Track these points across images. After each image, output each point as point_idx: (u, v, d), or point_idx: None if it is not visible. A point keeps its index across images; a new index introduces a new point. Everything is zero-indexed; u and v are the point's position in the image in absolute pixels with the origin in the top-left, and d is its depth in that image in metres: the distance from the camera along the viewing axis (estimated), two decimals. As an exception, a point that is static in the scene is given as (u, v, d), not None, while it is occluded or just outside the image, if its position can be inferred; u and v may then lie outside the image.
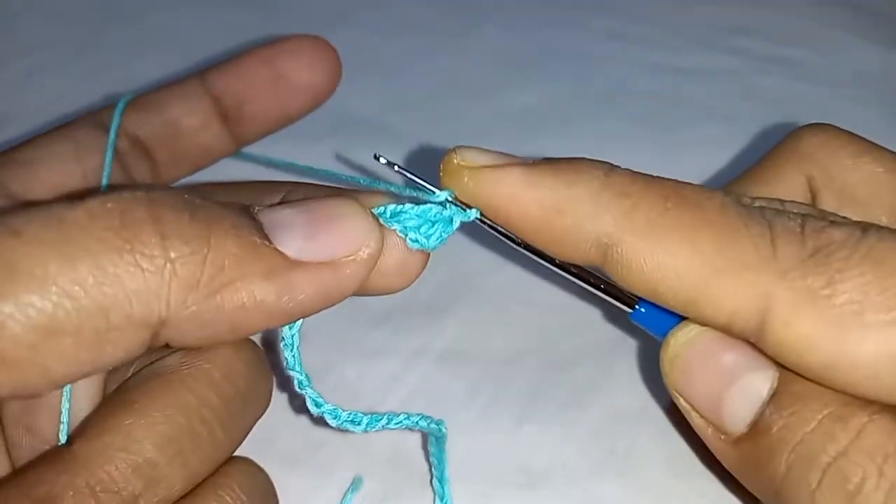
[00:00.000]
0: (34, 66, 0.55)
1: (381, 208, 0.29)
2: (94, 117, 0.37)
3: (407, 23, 0.60)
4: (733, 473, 0.29)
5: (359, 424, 0.30)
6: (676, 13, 0.60)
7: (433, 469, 0.35)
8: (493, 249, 0.45)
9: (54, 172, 0.35)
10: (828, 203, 0.33)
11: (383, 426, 0.30)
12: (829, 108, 0.53)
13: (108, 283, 0.22)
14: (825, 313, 0.25)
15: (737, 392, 0.28)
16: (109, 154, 0.35)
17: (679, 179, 0.28)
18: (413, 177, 0.30)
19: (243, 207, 0.26)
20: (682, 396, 0.29)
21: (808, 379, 0.27)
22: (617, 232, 0.27)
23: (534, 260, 0.31)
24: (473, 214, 0.29)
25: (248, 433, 0.30)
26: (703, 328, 0.28)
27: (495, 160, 0.29)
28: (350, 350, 0.40)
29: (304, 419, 0.37)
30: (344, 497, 0.35)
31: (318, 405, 0.29)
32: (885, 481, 0.24)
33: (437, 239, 0.29)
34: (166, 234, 0.22)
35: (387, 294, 0.30)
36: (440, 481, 0.35)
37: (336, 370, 0.39)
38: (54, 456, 0.25)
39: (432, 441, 0.34)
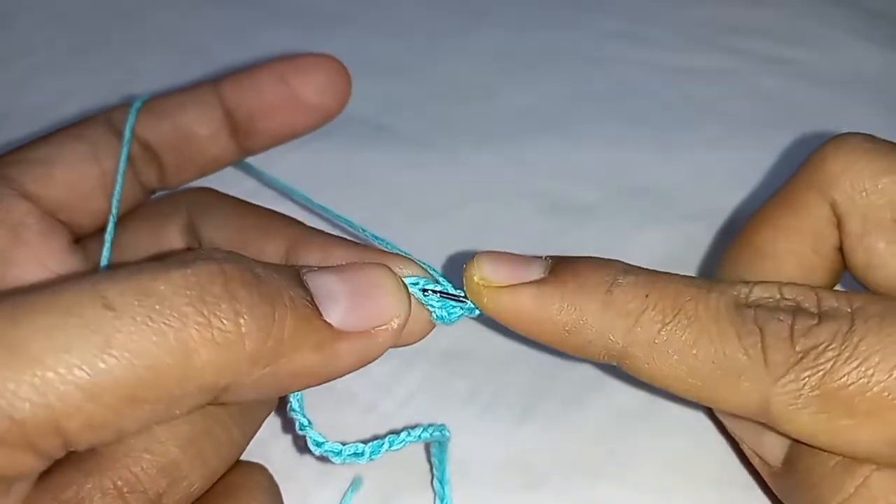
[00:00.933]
0: (34, 66, 0.55)
1: (414, 279, 0.31)
2: (106, 117, 0.37)
3: (407, 23, 0.60)
4: (780, 496, 0.33)
5: (361, 456, 0.31)
6: (676, 13, 0.60)
7: (434, 470, 0.35)
8: (493, 249, 0.45)
9: (72, 172, 0.34)
10: (853, 228, 0.32)
11: (386, 450, 0.31)
12: (829, 108, 0.53)
13: (188, 356, 0.23)
14: (818, 412, 0.28)
15: (771, 434, 0.31)
16: (124, 159, 0.35)
17: (682, 275, 0.31)
18: (442, 282, 0.32)
19: (295, 274, 0.27)
20: (733, 429, 0.34)
21: None
22: (623, 348, 0.29)
23: None
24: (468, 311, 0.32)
25: (257, 431, 0.31)
26: None
27: (509, 277, 0.30)
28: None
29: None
30: (344, 497, 0.35)
31: (318, 445, 0.30)
32: None
33: (458, 318, 0.32)
34: (239, 311, 0.24)
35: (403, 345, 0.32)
36: (440, 482, 0.35)
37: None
38: (80, 458, 0.26)
39: (435, 444, 0.34)
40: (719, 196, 0.47)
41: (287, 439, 0.37)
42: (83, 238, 0.36)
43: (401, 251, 0.33)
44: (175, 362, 0.23)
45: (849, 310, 0.28)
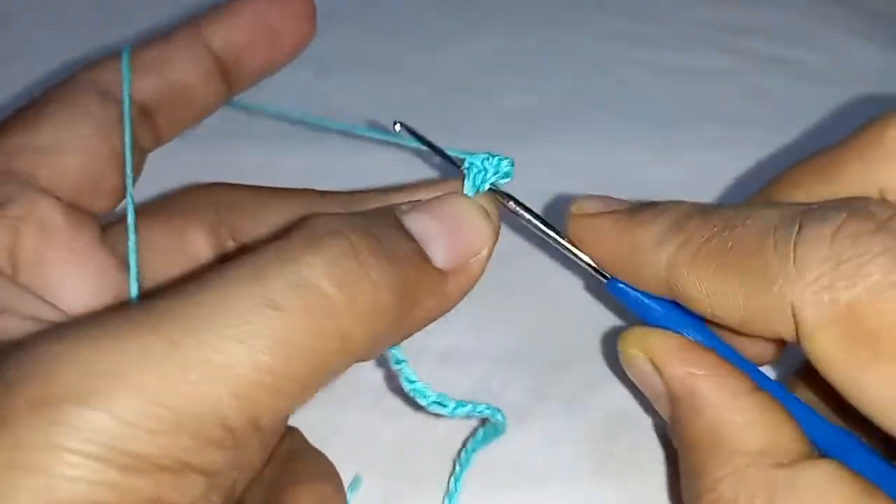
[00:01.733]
0: (34, 66, 0.55)
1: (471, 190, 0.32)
2: (90, 79, 0.34)
3: (407, 23, 0.60)
4: None
5: (445, 407, 0.32)
6: (676, 13, 0.60)
7: (458, 462, 0.35)
8: (494, 250, 0.45)
9: (84, 156, 0.32)
10: None
11: (467, 414, 0.32)
12: (829, 108, 0.53)
13: (347, 341, 0.25)
14: (844, 333, 0.24)
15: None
16: (129, 134, 0.33)
17: (740, 203, 0.31)
18: (443, 149, 0.34)
19: (397, 222, 0.28)
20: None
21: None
22: (673, 264, 0.29)
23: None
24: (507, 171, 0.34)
25: None
26: (633, 353, 0.31)
27: (598, 208, 0.33)
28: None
29: (303, 419, 0.37)
30: (344, 497, 0.35)
31: (410, 382, 0.32)
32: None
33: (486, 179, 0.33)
34: (377, 284, 0.25)
35: None
36: (457, 479, 0.35)
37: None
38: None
39: (482, 433, 0.35)
40: (719, 196, 0.47)
41: (287, 439, 0.37)
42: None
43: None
44: (337, 348, 0.24)
45: None
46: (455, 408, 0.32)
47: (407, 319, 0.26)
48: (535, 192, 0.48)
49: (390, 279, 0.25)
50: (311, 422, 0.37)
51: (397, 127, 0.34)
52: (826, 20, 0.60)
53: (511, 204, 0.33)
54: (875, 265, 0.23)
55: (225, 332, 0.22)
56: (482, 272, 0.29)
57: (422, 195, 0.31)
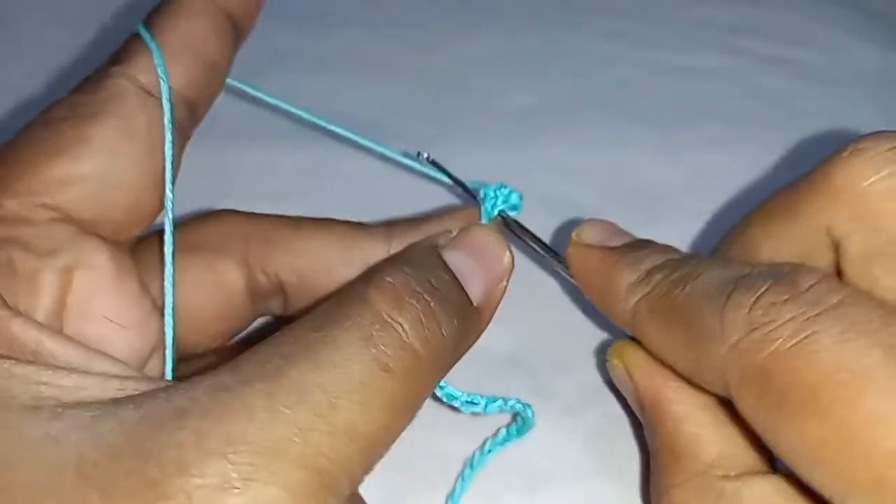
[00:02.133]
0: (34, 66, 0.55)
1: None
2: (134, 81, 0.30)
3: (407, 23, 0.60)
4: None
5: (477, 405, 0.34)
6: (676, 13, 0.60)
7: (469, 463, 0.36)
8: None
9: (130, 192, 0.29)
10: (853, 255, 0.28)
11: (499, 410, 0.34)
12: (829, 108, 0.53)
13: (425, 391, 0.27)
14: (759, 393, 0.26)
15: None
16: (169, 161, 0.30)
17: (694, 255, 0.32)
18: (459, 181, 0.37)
19: (441, 263, 0.29)
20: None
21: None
22: (635, 313, 0.31)
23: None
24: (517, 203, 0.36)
25: None
26: (615, 362, 0.34)
27: (596, 238, 0.34)
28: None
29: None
30: (344, 497, 0.35)
31: (440, 387, 0.33)
32: None
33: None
34: (446, 335, 0.27)
35: None
36: (464, 478, 0.35)
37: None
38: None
39: (505, 433, 0.36)
40: (719, 196, 0.47)
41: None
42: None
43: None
44: (422, 400, 0.27)
45: (834, 300, 0.25)
46: (487, 404, 0.34)
47: (458, 358, 0.29)
48: (535, 192, 0.48)
49: (455, 331, 0.27)
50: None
51: (424, 154, 0.37)
52: (826, 20, 0.60)
53: (518, 231, 0.36)
54: (781, 330, 0.25)
55: (343, 392, 0.24)
56: (502, 298, 0.32)
57: (450, 224, 0.33)
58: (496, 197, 0.35)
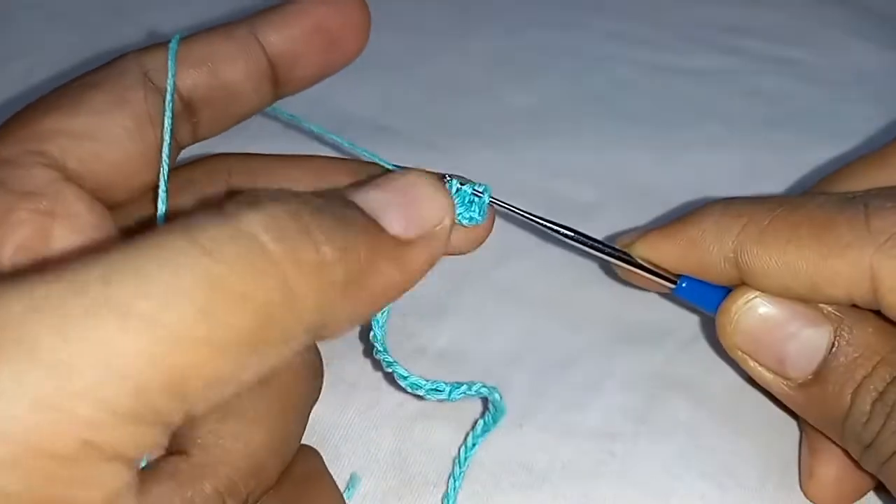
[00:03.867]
0: (34, 66, 0.55)
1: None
2: (138, 65, 0.32)
3: (407, 23, 0.60)
4: (799, 412, 0.34)
5: (441, 392, 0.34)
6: (676, 13, 0.60)
7: (457, 461, 0.36)
8: (493, 249, 0.45)
9: (117, 149, 0.31)
10: None
11: (463, 395, 0.34)
12: (829, 108, 0.53)
13: (291, 293, 0.23)
14: None
15: (800, 346, 0.33)
16: (168, 131, 0.32)
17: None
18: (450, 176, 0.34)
19: (343, 198, 0.27)
20: (747, 355, 0.34)
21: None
22: (738, 246, 0.33)
23: (561, 238, 0.36)
24: (486, 196, 0.33)
25: None
26: (760, 294, 0.33)
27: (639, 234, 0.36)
28: (350, 348, 0.40)
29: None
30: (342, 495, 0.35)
31: (404, 378, 0.34)
32: None
33: (481, 214, 0.34)
34: (319, 242, 0.23)
35: (461, 253, 0.35)
36: (455, 477, 0.35)
37: (335, 368, 0.39)
38: (177, 468, 0.27)
39: (481, 424, 0.36)
40: (719, 196, 0.47)
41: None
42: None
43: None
44: (281, 300, 0.22)
45: None
46: (451, 391, 0.34)
47: (364, 284, 0.25)
48: (535, 192, 0.48)
49: (334, 238, 0.24)
50: (311, 421, 0.37)
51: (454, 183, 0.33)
52: (826, 20, 0.60)
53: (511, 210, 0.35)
54: None
55: (144, 275, 0.20)
56: (447, 242, 0.29)
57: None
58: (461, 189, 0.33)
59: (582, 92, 0.55)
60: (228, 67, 0.33)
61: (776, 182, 0.48)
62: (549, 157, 0.50)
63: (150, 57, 0.33)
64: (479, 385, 0.34)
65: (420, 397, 0.34)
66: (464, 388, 0.34)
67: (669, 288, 0.36)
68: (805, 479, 0.36)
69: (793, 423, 0.38)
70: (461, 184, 0.33)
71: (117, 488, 0.20)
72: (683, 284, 0.35)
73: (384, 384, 0.39)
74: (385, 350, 0.34)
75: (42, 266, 0.20)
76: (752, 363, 0.34)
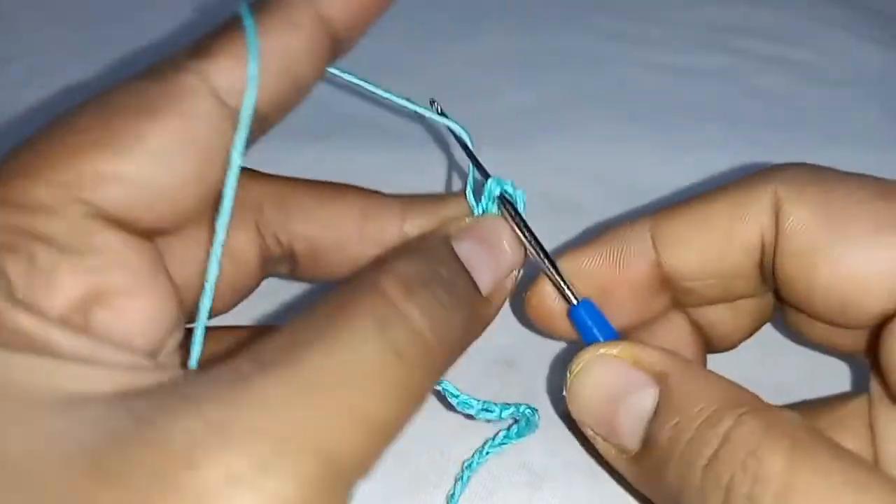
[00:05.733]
0: (34, 66, 0.55)
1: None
2: (207, 83, 0.26)
3: (407, 23, 0.60)
4: (639, 489, 0.31)
5: (492, 412, 0.35)
6: (676, 13, 0.60)
7: (469, 464, 0.36)
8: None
9: (174, 199, 0.27)
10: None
11: (510, 415, 0.35)
12: (829, 108, 0.53)
13: (426, 388, 0.26)
14: (821, 199, 0.30)
15: (625, 412, 0.30)
16: (234, 176, 0.27)
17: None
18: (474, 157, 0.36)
19: (452, 252, 0.29)
20: (584, 424, 0.32)
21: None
22: (653, 226, 0.35)
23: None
24: (516, 192, 0.35)
25: None
26: (600, 351, 0.31)
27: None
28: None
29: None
30: (344, 497, 0.35)
31: (455, 396, 0.34)
32: (748, 475, 0.26)
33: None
34: (454, 327, 0.27)
35: None
36: (463, 481, 0.35)
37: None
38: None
39: (514, 430, 0.36)
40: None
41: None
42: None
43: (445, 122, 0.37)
44: (430, 385, 0.26)
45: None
46: (501, 412, 0.35)
47: (466, 347, 0.28)
48: (535, 192, 0.48)
49: (463, 320, 0.27)
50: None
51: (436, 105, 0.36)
52: (826, 20, 0.60)
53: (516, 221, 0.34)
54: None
55: (357, 377, 0.23)
56: (512, 291, 0.32)
57: (464, 209, 0.34)
58: (501, 187, 0.34)
59: (582, 92, 0.55)
60: (301, 61, 0.28)
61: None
62: (549, 157, 0.50)
63: (218, 67, 0.27)
64: (524, 407, 0.35)
65: (470, 416, 0.35)
66: (512, 409, 0.35)
67: (567, 307, 0.33)
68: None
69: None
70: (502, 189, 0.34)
71: None
72: (582, 307, 0.33)
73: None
74: None
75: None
76: (591, 433, 0.32)
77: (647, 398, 0.29)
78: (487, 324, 0.30)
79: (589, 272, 0.34)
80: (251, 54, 0.27)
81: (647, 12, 0.61)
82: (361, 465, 0.24)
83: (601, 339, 0.32)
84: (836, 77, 0.55)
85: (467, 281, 0.29)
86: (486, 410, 0.34)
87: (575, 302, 0.33)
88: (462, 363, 0.28)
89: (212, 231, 0.27)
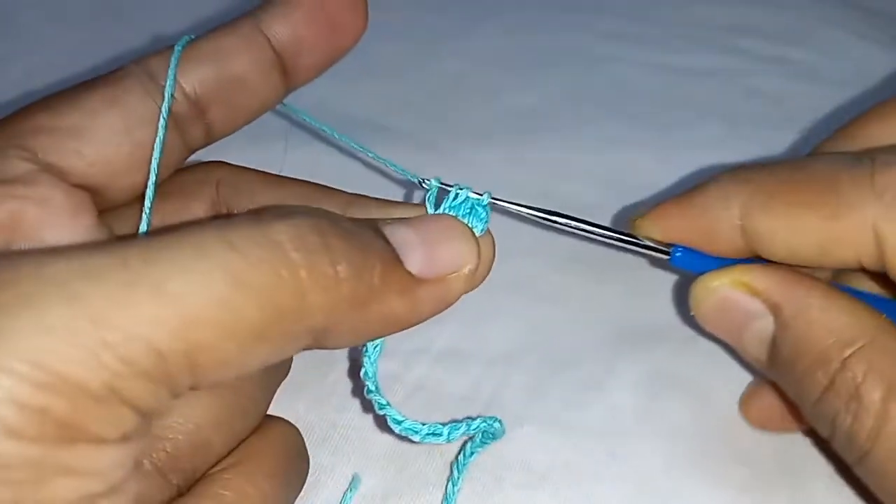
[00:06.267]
0: (34, 66, 0.55)
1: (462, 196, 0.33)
2: (144, 69, 0.33)
3: (407, 23, 0.60)
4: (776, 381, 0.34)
5: (440, 436, 0.33)
6: (676, 13, 0.60)
7: (461, 457, 0.36)
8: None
9: (101, 148, 0.32)
10: None
11: (462, 434, 0.33)
12: (829, 108, 0.53)
13: (303, 297, 0.25)
14: None
15: (750, 336, 0.33)
16: (163, 126, 0.32)
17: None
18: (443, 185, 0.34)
19: (375, 228, 0.28)
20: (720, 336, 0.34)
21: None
22: (744, 212, 0.32)
23: (558, 227, 0.35)
24: (486, 198, 0.33)
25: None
26: (723, 280, 0.33)
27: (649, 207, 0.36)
28: (349, 348, 0.40)
29: (303, 418, 0.37)
30: (343, 496, 0.35)
31: (398, 423, 0.32)
32: (850, 415, 0.29)
33: (484, 223, 0.33)
34: (336, 260, 0.25)
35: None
36: (454, 483, 0.35)
37: (336, 369, 0.39)
38: None
39: (482, 435, 0.35)
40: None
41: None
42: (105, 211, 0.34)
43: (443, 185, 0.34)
44: (293, 302, 0.24)
45: None
46: (450, 434, 0.33)
47: (370, 308, 0.27)
48: (535, 192, 0.48)
49: (351, 259, 0.26)
50: (312, 421, 0.37)
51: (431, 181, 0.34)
52: (826, 20, 0.60)
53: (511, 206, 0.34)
54: None
55: (178, 261, 0.23)
56: (464, 290, 0.30)
57: (418, 212, 0.33)
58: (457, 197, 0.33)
59: (582, 92, 0.55)
60: (234, 60, 0.33)
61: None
62: (549, 157, 0.50)
63: (155, 60, 0.33)
64: (478, 421, 0.34)
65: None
66: (462, 427, 0.33)
67: (665, 259, 0.35)
68: (745, 397, 0.36)
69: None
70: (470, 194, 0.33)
71: (129, 431, 0.22)
72: (678, 254, 0.34)
73: (384, 388, 0.39)
74: (377, 390, 0.32)
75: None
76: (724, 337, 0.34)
77: (766, 326, 0.32)
78: (417, 308, 0.29)
79: (671, 231, 0.35)
80: (181, 42, 0.33)
81: (647, 12, 0.61)
82: (188, 357, 0.23)
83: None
84: (836, 77, 0.55)
85: (383, 244, 0.28)
86: (433, 434, 0.32)
87: (669, 254, 0.34)
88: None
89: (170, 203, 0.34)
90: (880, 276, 0.32)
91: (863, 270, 0.32)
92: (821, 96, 0.54)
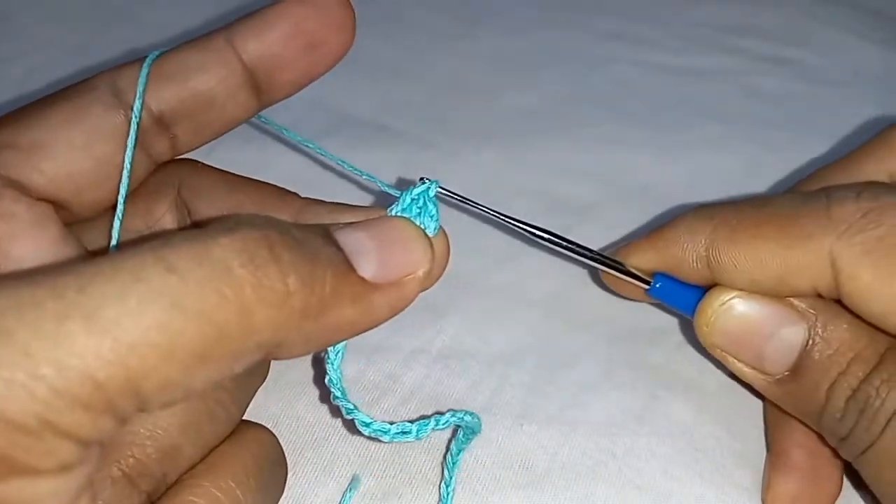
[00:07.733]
0: (34, 66, 0.55)
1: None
2: (111, 82, 0.33)
3: (407, 24, 0.60)
4: (778, 404, 0.35)
5: (409, 434, 0.32)
6: (676, 13, 0.60)
7: (449, 456, 0.35)
8: (493, 248, 0.45)
9: (61, 164, 0.32)
10: None
11: (432, 429, 0.33)
12: (829, 108, 0.53)
13: (248, 315, 0.24)
14: (880, 263, 0.30)
15: (777, 345, 0.34)
16: (132, 144, 0.33)
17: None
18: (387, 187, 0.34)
19: (326, 233, 0.28)
20: (727, 353, 0.35)
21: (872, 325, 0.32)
22: (709, 244, 0.34)
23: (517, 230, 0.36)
24: (434, 188, 0.33)
25: (250, 402, 0.33)
26: (739, 294, 0.34)
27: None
28: (349, 348, 0.40)
29: (302, 418, 0.37)
30: (343, 496, 0.35)
31: (366, 425, 0.32)
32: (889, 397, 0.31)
33: (436, 221, 0.32)
34: (285, 272, 0.25)
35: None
36: (451, 469, 0.35)
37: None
38: None
39: (464, 430, 0.35)
40: (719, 196, 0.47)
41: (286, 438, 0.37)
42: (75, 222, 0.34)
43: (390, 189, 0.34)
44: (237, 321, 0.24)
45: None
46: (418, 431, 0.32)
47: (323, 317, 0.26)
48: (535, 192, 0.48)
49: (301, 270, 0.25)
50: (311, 421, 0.37)
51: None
52: (826, 20, 0.60)
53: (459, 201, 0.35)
54: (893, 210, 0.31)
55: (114, 287, 0.22)
56: (418, 291, 0.29)
57: (373, 215, 0.32)
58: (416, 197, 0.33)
59: (582, 92, 0.55)
60: (201, 77, 0.33)
61: (776, 182, 0.48)
62: (549, 157, 0.50)
63: (122, 74, 0.33)
64: (448, 415, 0.33)
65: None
66: (431, 423, 0.32)
67: (644, 288, 0.37)
68: (764, 491, 0.36)
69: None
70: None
71: (68, 461, 0.22)
72: (658, 285, 0.37)
73: (384, 388, 0.39)
74: (343, 395, 0.32)
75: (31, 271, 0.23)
76: (731, 360, 0.35)
77: (799, 332, 0.33)
78: (373, 313, 0.28)
79: (644, 264, 0.37)
80: (151, 56, 0.34)
81: (647, 12, 0.61)
82: (129, 383, 0.22)
83: (700, 293, 0.35)
84: (836, 77, 0.55)
85: (333, 252, 0.27)
86: (402, 433, 0.32)
87: (650, 284, 0.37)
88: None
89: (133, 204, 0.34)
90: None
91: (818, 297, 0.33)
92: (821, 96, 0.54)
